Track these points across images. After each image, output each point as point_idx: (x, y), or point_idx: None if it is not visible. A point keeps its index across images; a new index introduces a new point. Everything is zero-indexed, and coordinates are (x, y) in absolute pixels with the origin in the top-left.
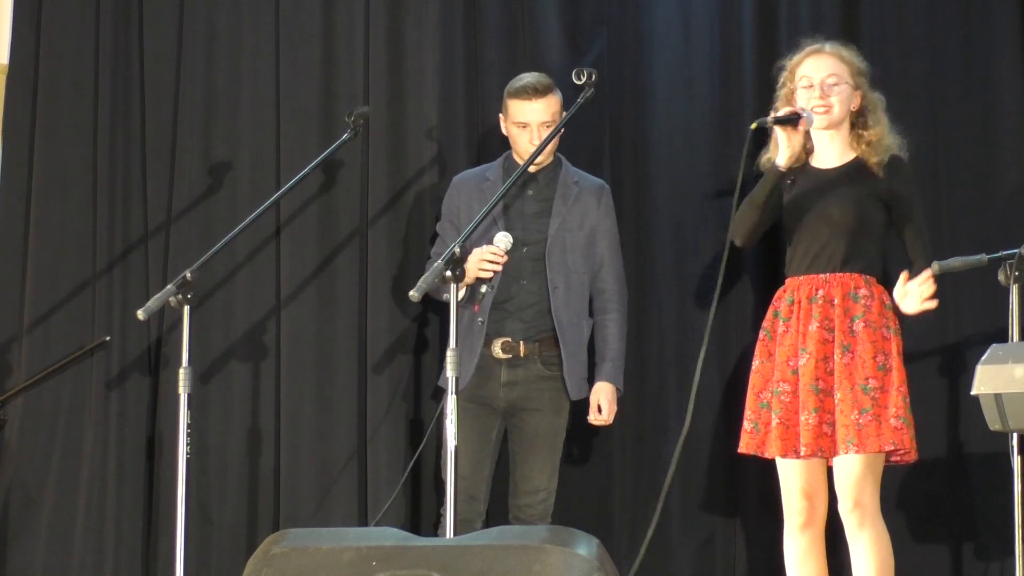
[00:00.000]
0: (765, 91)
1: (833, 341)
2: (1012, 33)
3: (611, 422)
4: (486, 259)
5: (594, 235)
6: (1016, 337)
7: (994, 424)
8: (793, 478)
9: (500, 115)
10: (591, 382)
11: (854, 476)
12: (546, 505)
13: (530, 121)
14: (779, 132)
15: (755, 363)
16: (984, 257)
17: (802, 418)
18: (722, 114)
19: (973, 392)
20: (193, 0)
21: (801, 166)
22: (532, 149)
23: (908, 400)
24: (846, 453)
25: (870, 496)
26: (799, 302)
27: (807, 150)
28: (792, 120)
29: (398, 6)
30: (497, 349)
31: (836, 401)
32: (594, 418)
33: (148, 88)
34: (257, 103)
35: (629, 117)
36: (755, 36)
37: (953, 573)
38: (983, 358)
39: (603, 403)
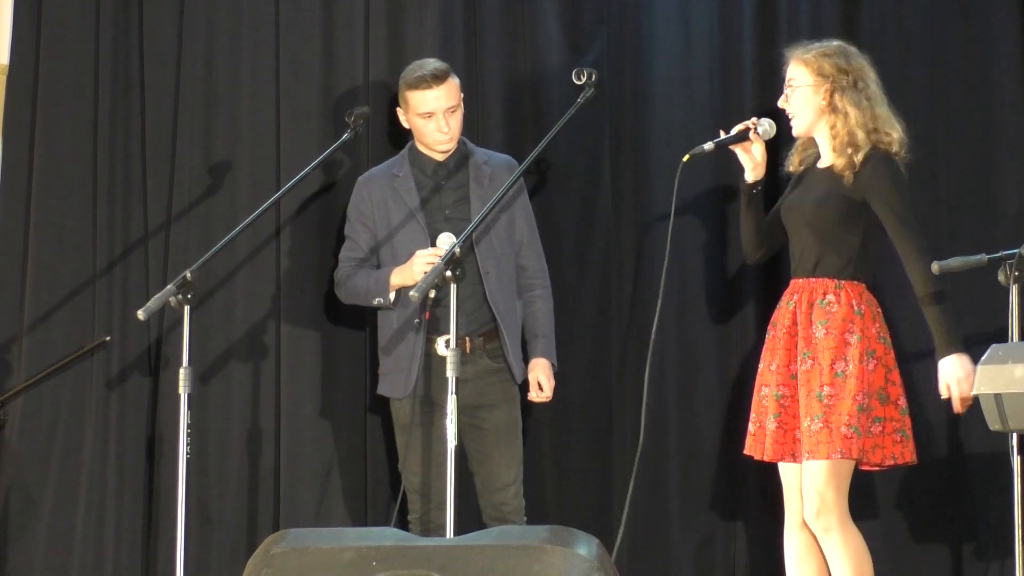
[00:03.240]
0: (765, 91)
1: (795, 348)
2: (1012, 33)
3: (551, 398)
4: (433, 263)
5: (513, 214)
6: (1016, 337)
7: (994, 424)
8: (791, 478)
9: (398, 109)
10: (525, 361)
11: (812, 482)
12: (518, 499)
13: (435, 109)
14: (736, 151)
15: (760, 365)
16: (984, 257)
17: (768, 425)
18: (722, 114)
19: (973, 392)
20: (193, 0)
21: (809, 167)
22: (441, 138)
23: (867, 408)
24: (804, 460)
25: (833, 501)
26: (783, 306)
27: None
28: (740, 138)
29: (398, 6)
30: (440, 346)
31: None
32: (535, 396)
33: (148, 88)
34: (257, 103)
35: (629, 117)
36: (755, 36)
37: (953, 573)
38: (983, 358)
39: (543, 379)
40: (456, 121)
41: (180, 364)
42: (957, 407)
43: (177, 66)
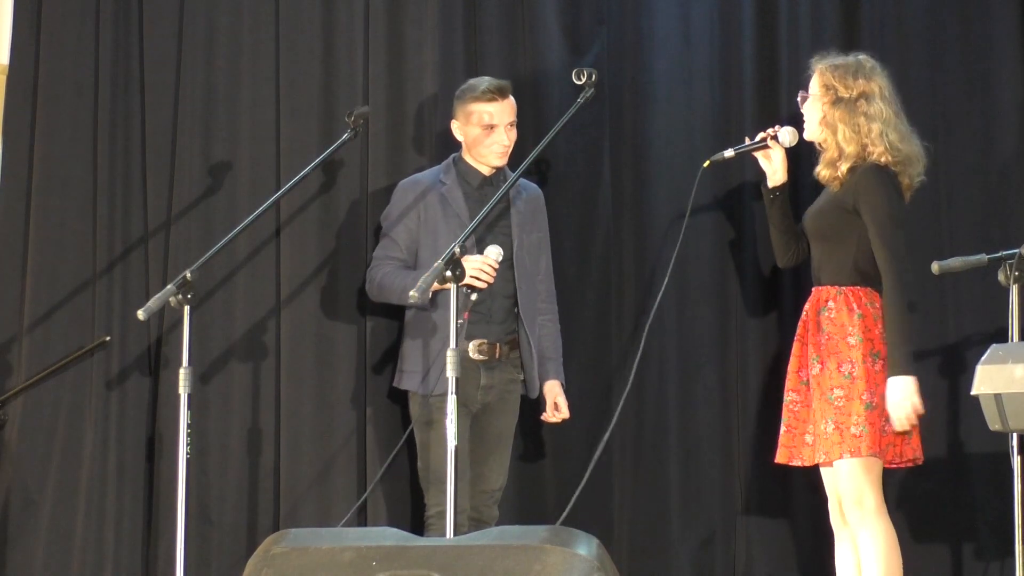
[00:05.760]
0: (765, 91)
1: (806, 355)
2: (1012, 33)
3: (568, 416)
4: (484, 271)
5: (540, 240)
6: (1016, 337)
7: (994, 424)
8: (826, 482)
9: (453, 121)
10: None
11: (841, 484)
12: (496, 507)
13: (498, 122)
14: (757, 157)
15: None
16: (984, 257)
17: (781, 429)
18: (722, 114)
19: (973, 392)
20: (193, 0)
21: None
22: (500, 150)
23: (877, 406)
24: (821, 463)
25: (862, 498)
26: (802, 314)
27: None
28: (760, 146)
29: (398, 6)
30: (472, 350)
31: (812, 411)
32: (551, 415)
33: (148, 88)
34: (257, 103)
35: (629, 117)
36: (755, 36)
37: (953, 573)
38: (983, 358)
39: (559, 400)
40: (513, 135)
41: (180, 364)
42: (896, 426)
43: (177, 66)
